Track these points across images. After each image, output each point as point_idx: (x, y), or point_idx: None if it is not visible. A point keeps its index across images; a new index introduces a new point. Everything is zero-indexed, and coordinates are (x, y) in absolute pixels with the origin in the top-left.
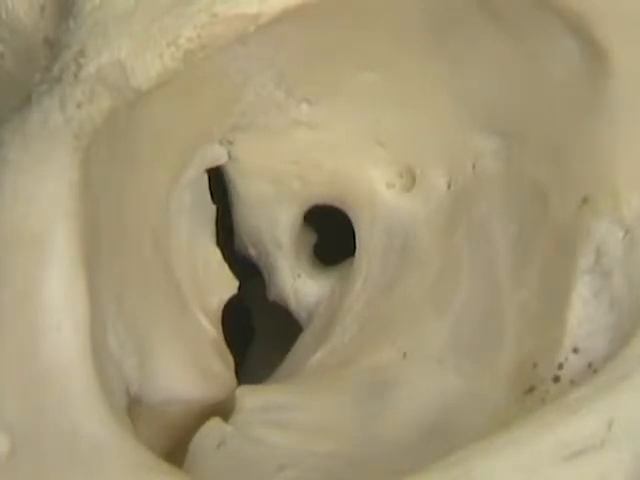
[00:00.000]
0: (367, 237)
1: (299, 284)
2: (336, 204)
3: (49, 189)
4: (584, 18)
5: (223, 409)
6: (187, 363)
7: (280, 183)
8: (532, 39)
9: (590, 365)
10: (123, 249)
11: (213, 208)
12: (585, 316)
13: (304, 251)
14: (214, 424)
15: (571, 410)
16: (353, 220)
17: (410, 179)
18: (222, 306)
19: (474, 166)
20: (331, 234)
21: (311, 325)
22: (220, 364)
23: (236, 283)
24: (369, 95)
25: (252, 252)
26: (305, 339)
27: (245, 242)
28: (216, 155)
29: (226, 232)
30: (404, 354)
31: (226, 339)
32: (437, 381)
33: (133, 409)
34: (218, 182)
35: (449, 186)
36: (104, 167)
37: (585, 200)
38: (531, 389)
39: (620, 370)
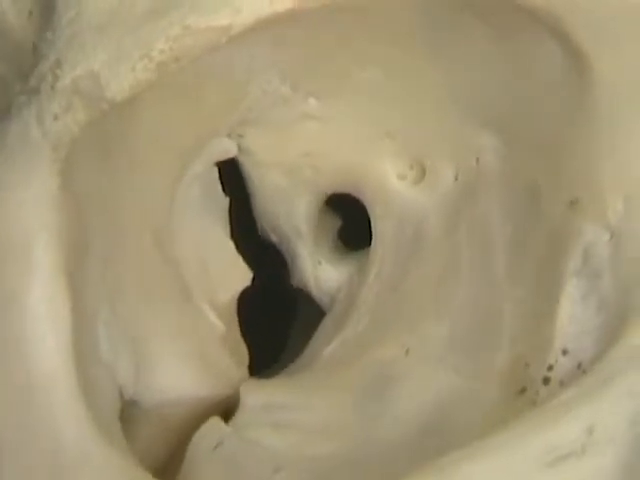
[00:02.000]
0: (381, 227)
1: (320, 271)
2: (352, 192)
3: (28, 202)
4: (562, 22)
5: (233, 404)
6: (189, 362)
7: (294, 174)
8: (518, 40)
9: (580, 366)
10: (119, 251)
11: (225, 200)
12: (574, 317)
13: (325, 237)
14: (213, 424)
15: (553, 416)
16: (368, 209)
17: (420, 171)
18: (236, 298)
19: (478, 161)
20: (358, 217)
21: (332, 311)
22: (228, 360)
23: (250, 274)
24: (373, 91)
25: (273, 238)
26: (326, 325)
27: (266, 228)
28: (225, 148)
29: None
30: (407, 350)
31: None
32: (437, 380)
33: (130, 412)
34: (235, 172)
35: (456, 178)
36: (94, 171)
37: (573, 202)
38: (522, 390)
39: (601, 375)
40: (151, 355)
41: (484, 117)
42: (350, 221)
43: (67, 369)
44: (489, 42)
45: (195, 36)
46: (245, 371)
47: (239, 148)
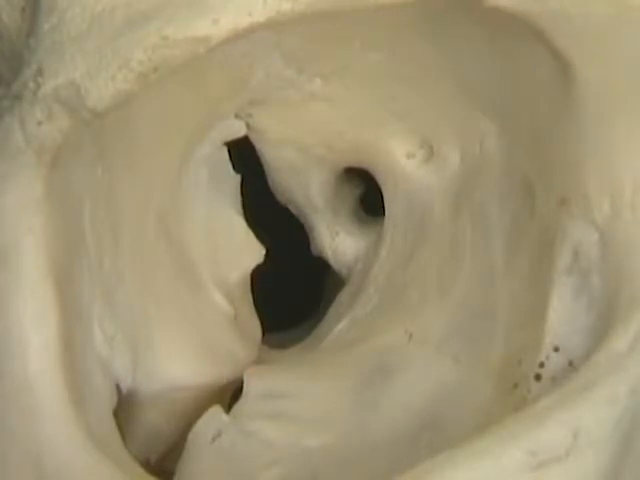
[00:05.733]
0: (392, 205)
1: (337, 242)
2: (365, 168)
3: (13, 206)
4: (546, 30)
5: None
6: (192, 347)
7: (305, 151)
8: (509, 42)
9: (571, 363)
10: (119, 242)
11: (236, 178)
12: (565, 315)
13: (344, 207)
14: (213, 414)
15: (538, 420)
16: (381, 186)
17: (429, 150)
18: (248, 275)
19: (481, 147)
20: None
21: (348, 284)
22: (235, 343)
23: (262, 251)
24: (378, 73)
25: (291, 208)
26: (342, 299)
27: (283, 199)
28: (233, 129)
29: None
30: (410, 336)
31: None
32: (434, 370)
33: (131, 400)
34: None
35: (462, 162)
36: (88, 166)
37: (563, 201)
38: (515, 386)
39: (584, 381)
40: (152, 342)
41: (485, 104)
42: (373, 187)
43: (53, 371)
44: (482, 41)
45: (173, 47)
46: (255, 350)
47: (249, 126)
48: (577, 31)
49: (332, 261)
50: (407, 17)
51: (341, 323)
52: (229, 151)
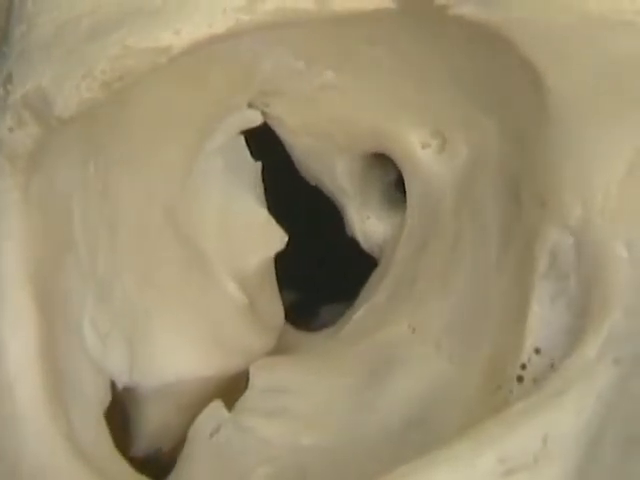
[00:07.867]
0: (411, 192)
1: (368, 226)
2: (386, 153)
3: None
4: (513, 37)
5: None
6: (197, 340)
7: (326, 138)
8: (484, 46)
9: (553, 365)
10: (116, 238)
11: (257, 166)
12: (544, 318)
13: (374, 191)
14: (213, 408)
15: (509, 425)
16: (402, 171)
17: (442, 140)
18: (269, 262)
19: (482, 143)
20: None
21: (378, 268)
22: (249, 332)
23: (285, 237)
24: (384, 67)
25: (322, 189)
26: (372, 281)
27: (312, 181)
28: (248, 119)
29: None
30: (413, 330)
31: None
32: (432, 367)
33: (137, 395)
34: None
35: (469, 154)
36: (77, 166)
37: (542, 204)
38: (498, 388)
39: (556, 385)
40: (153, 337)
41: (482, 103)
42: None
43: (31, 375)
44: (465, 44)
45: (136, 56)
46: (273, 339)
47: (268, 115)
48: (542, 38)
49: (363, 243)
50: (398, 19)
51: (360, 311)
52: (247, 140)
